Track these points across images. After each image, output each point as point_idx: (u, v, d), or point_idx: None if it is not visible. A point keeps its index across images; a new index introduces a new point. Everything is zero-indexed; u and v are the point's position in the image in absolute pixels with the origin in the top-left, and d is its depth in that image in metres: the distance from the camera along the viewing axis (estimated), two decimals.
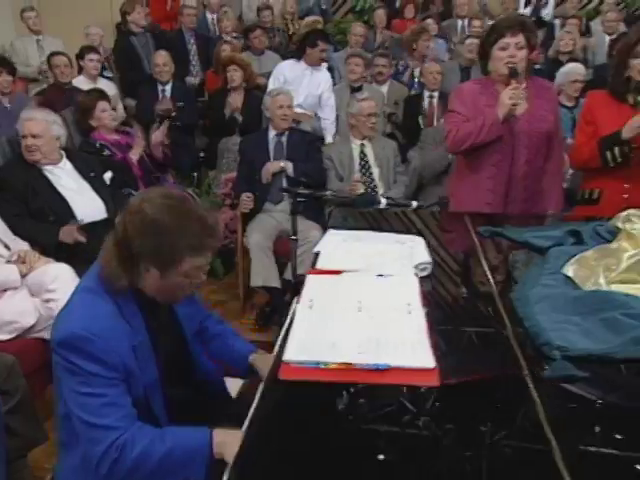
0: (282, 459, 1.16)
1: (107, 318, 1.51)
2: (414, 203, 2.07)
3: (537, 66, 6.05)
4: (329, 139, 4.89)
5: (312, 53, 4.86)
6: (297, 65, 4.98)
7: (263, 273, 3.63)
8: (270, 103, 4.03)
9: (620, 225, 1.92)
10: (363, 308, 1.57)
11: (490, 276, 1.80)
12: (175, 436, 1.47)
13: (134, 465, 1.41)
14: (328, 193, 2.27)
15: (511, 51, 2.63)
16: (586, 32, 7.06)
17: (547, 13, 7.60)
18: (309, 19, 6.55)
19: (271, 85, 4.94)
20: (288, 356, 1.37)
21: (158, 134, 4.28)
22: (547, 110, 2.77)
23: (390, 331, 1.46)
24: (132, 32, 6.06)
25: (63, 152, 3.44)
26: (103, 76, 5.83)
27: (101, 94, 4.22)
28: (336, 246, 2.02)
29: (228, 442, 1.38)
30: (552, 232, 2.06)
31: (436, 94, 5.19)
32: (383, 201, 2.00)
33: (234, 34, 6.55)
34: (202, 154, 5.23)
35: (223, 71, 5.02)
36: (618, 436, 1.17)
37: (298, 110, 4.95)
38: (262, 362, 1.76)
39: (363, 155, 4.04)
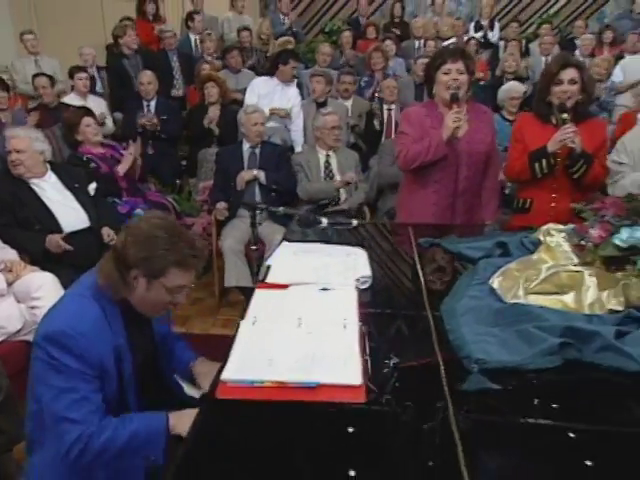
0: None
1: (93, 320, 1.51)
2: (354, 222, 1.97)
3: (482, 82, 6.03)
4: (298, 148, 4.80)
5: (284, 70, 4.76)
6: (270, 81, 4.87)
7: (236, 274, 3.57)
8: (245, 120, 3.94)
9: (541, 238, 1.85)
10: (302, 324, 1.48)
11: (424, 287, 1.72)
12: (136, 421, 1.49)
13: (100, 450, 1.43)
14: (281, 209, 2.16)
15: (453, 75, 2.61)
16: (526, 53, 7.03)
17: (493, 35, 7.54)
18: (282, 39, 6.43)
19: (247, 99, 4.83)
20: (226, 375, 1.27)
21: (134, 149, 4.14)
22: (485, 132, 2.75)
23: (325, 347, 1.37)
24: (124, 54, 5.91)
25: (48, 165, 3.33)
26: (94, 92, 5.71)
27: (86, 110, 4.09)
28: (287, 259, 1.93)
29: (182, 421, 1.42)
30: (483, 243, 1.99)
31: (394, 106, 5.12)
32: (324, 221, 1.91)
33: (215, 54, 6.41)
34: (184, 163, 5.10)
35: (201, 88, 4.91)
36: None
37: (270, 123, 4.87)
38: (200, 369, 1.76)
39: (328, 164, 3.97)
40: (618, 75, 5.81)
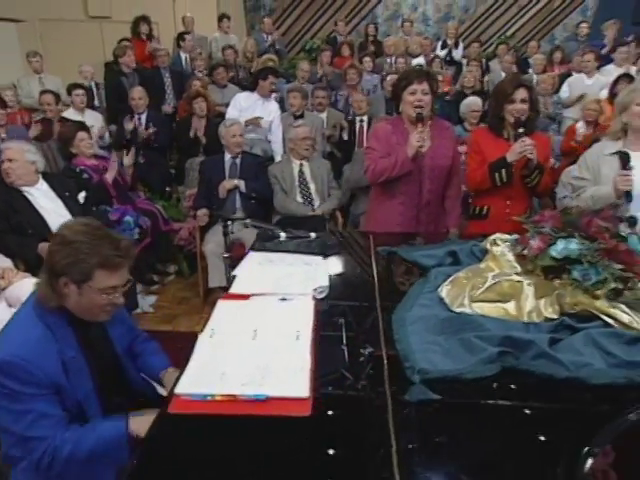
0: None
1: (35, 342, 1.42)
2: (312, 234, 1.88)
3: (447, 97, 5.97)
4: (278, 158, 4.71)
5: (263, 85, 4.66)
6: (251, 96, 4.77)
7: (218, 276, 3.49)
8: (225, 132, 3.85)
9: (488, 247, 1.79)
10: (258, 336, 1.39)
11: (378, 296, 1.64)
12: (98, 428, 1.43)
13: (68, 459, 1.38)
14: (248, 221, 2.08)
15: (418, 96, 2.56)
16: (486, 70, 6.99)
17: (457, 54, 7.49)
18: (264, 57, 6.33)
19: (230, 113, 4.73)
20: (180, 389, 1.19)
21: (128, 159, 4.04)
22: (447, 147, 2.71)
23: (277, 359, 1.28)
24: (122, 72, 5.78)
25: (40, 175, 3.24)
26: (93, 107, 5.59)
27: (80, 126, 3.98)
28: (252, 269, 1.84)
29: (141, 424, 1.33)
30: (436, 252, 1.91)
31: (365, 118, 5.04)
32: (282, 235, 1.82)
33: (204, 71, 6.28)
34: (173, 171, 4.99)
35: (190, 102, 4.79)
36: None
37: (252, 135, 4.78)
38: (169, 378, 1.65)
39: (301, 173, 3.88)
40: (565, 91, 5.84)
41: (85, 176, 3.79)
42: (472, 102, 4.81)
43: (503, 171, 2.56)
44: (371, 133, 2.89)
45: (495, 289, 1.53)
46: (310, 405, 1.13)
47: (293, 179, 3.85)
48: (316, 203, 3.83)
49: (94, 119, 5.24)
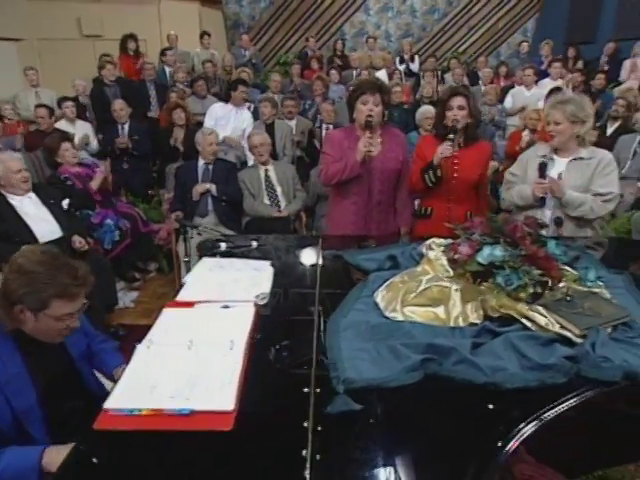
0: None
1: None
2: (254, 243, 1.74)
3: (406, 106, 5.85)
4: (251, 162, 4.53)
5: (236, 96, 4.49)
6: (225, 106, 4.60)
7: None
8: (202, 140, 3.66)
9: (424, 251, 1.67)
10: (193, 346, 1.24)
11: (317, 301, 1.49)
12: (10, 457, 1.21)
13: None
14: (200, 228, 1.92)
15: (369, 107, 2.44)
16: (441, 81, 6.88)
17: (414, 67, 7.37)
18: (238, 70, 6.10)
19: (206, 122, 4.54)
20: (108, 404, 1.04)
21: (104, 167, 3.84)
22: (397, 152, 2.59)
23: (208, 371, 1.14)
24: (105, 84, 5.52)
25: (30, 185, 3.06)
26: (85, 118, 5.34)
27: (64, 137, 3.77)
28: (201, 276, 1.69)
29: (56, 457, 1.14)
30: (378, 255, 1.78)
31: (331, 126, 4.89)
32: (222, 245, 1.67)
33: (185, 83, 6.05)
34: (155, 175, 4.78)
35: (170, 113, 4.57)
36: None
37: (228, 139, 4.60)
38: (120, 376, 1.48)
39: (268, 177, 3.71)
40: (509, 101, 5.79)
41: (69, 183, 3.60)
42: (426, 110, 4.69)
43: (430, 172, 2.47)
44: (325, 139, 2.78)
45: (426, 294, 1.41)
46: (232, 419, 0.99)
47: (260, 183, 3.69)
48: (282, 204, 3.68)
49: (84, 129, 5.02)
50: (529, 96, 5.72)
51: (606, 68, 6.38)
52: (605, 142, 4.71)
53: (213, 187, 3.58)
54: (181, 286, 1.61)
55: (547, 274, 1.33)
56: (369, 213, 2.60)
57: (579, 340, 1.23)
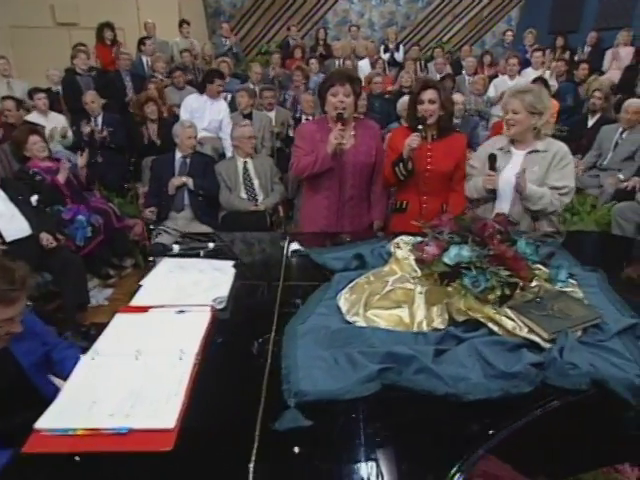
0: None
1: None
2: (210, 244, 1.65)
3: (387, 96, 5.75)
4: (229, 154, 4.41)
5: (211, 88, 4.33)
6: (200, 97, 4.45)
7: None
8: (181, 132, 3.53)
9: (392, 250, 1.60)
10: (141, 356, 1.16)
11: (278, 305, 1.41)
12: None
13: None
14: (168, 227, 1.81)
15: (339, 98, 2.34)
16: (425, 70, 6.78)
17: (399, 56, 7.25)
18: (218, 60, 5.94)
19: (182, 114, 4.40)
20: (39, 424, 0.96)
21: (81, 160, 3.69)
22: (370, 145, 2.50)
23: (152, 384, 1.06)
24: (77, 73, 5.32)
25: None
26: (60, 110, 5.15)
27: (32, 129, 3.60)
28: (160, 278, 1.60)
29: None
30: (344, 254, 1.70)
31: (311, 117, 4.78)
32: (175, 248, 1.57)
33: (164, 73, 5.88)
34: (132, 169, 4.63)
35: (140, 108, 4.41)
36: None
37: (204, 133, 4.47)
38: None
39: (246, 170, 3.61)
40: (492, 91, 5.71)
41: (38, 178, 3.44)
42: (405, 101, 4.60)
43: (400, 165, 2.40)
44: (297, 132, 2.68)
45: (390, 296, 1.34)
46: (173, 438, 0.92)
47: (238, 176, 3.58)
48: (260, 198, 3.58)
49: (58, 121, 4.84)
50: (512, 85, 5.66)
51: (586, 58, 6.34)
52: (587, 134, 4.69)
53: (190, 180, 3.47)
54: (138, 289, 1.52)
55: (516, 275, 1.27)
56: (341, 208, 2.53)
57: (547, 345, 1.17)
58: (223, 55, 6.55)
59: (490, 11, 8.32)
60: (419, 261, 1.43)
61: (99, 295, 3.55)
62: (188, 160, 3.57)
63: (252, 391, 1.05)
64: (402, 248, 1.54)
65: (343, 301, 1.38)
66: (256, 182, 3.61)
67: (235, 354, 1.21)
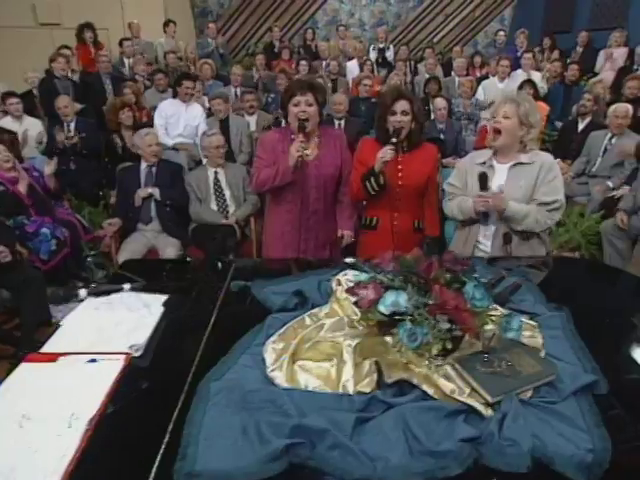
0: None
1: None
2: (126, 286, 1.49)
3: (374, 99, 5.57)
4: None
5: (180, 91, 4.21)
6: (174, 102, 4.31)
7: None
8: (140, 142, 3.38)
9: (334, 286, 1.44)
10: (27, 421, 1.00)
11: (200, 353, 1.25)
12: None
13: None
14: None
15: (301, 107, 2.23)
16: (415, 72, 6.61)
17: (389, 55, 7.07)
18: (200, 61, 5.78)
19: (156, 120, 4.25)
20: None
21: (49, 167, 3.53)
22: (334, 156, 2.38)
23: (30, 458, 0.91)
24: (56, 77, 5.16)
25: None
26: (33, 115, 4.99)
27: None
28: (82, 316, 1.44)
29: None
30: (287, 287, 1.54)
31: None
32: (82, 293, 1.41)
33: (146, 75, 5.72)
34: (105, 176, 4.47)
35: (115, 114, 4.24)
36: None
37: (179, 139, 4.32)
38: None
39: (217, 180, 3.45)
40: (480, 94, 5.54)
41: (1, 188, 3.30)
42: None
43: (372, 179, 2.25)
44: (258, 142, 2.54)
45: (319, 347, 1.19)
46: None
47: (208, 186, 3.43)
48: (231, 209, 3.43)
49: (34, 126, 4.68)
50: (502, 88, 5.49)
51: (577, 59, 6.16)
52: (577, 138, 4.52)
53: (156, 191, 3.32)
54: (54, 331, 1.37)
55: (460, 327, 1.12)
56: (305, 223, 2.41)
57: (488, 412, 1.02)
58: (208, 56, 6.38)
59: (483, 10, 8.13)
60: (356, 305, 1.28)
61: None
62: (154, 169, 3.42)
63: (146, 468, 0.90)
64: (343, 285, 1.38)
65: (269, 350, 1.22)
66: (227, 193, 3.46)
67: (137, 419, 1.06)
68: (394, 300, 1.14)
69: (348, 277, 1.42)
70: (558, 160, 4.52)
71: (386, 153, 2.19)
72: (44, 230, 3.29)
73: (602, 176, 4.06)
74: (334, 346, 1.16)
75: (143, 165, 3.43)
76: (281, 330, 1.29)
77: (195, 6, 7.98)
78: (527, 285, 1.62)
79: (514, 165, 2.13)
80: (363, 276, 1.29)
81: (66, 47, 5.64)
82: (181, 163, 3.90)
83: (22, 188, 3.30)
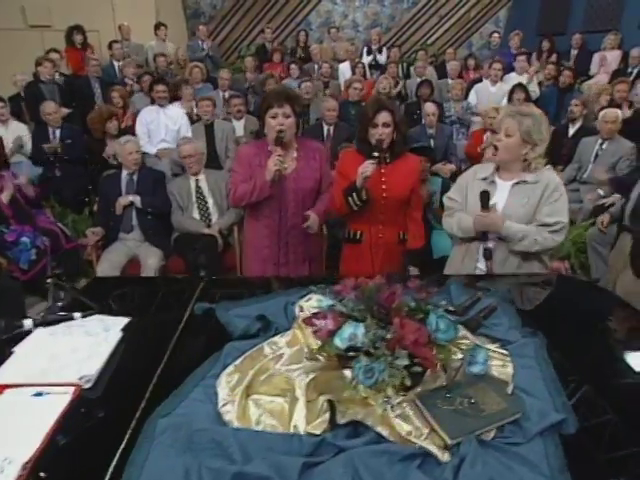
0: None
1: None
2: (76, 314, 1.42)
3: (364, 104, 5.51)
4: None
5: (154, 96, 4.16)
6: (152, 108, 4.27)
7: None
8: (120, 150, 3.34)
9: (296, 311, 1.38)
10: None
11: (154, 382, 1.19)
12: None
13: None
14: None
15: (279, 120, 2.17)
16: (407, 75, 6.54)
17: (381, 58, 7.00)
18: (190, 65, 5.71)
19: (137, 129, 4.19)
20: None
21: (23, 177, 3.48)
22: (314, 169, 2.33)
23: None
24: (42, 81, 5.10)
25: None
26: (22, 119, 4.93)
27: None
28: (37, 342, 1.37)
29: None
30: (253, 309, 1.47)
31: None
32: (26, 323, 1.34)
33: (135, 79, 5.65)
34: (90, 182, 4.41)
35: (101, 123, 4.17)
36: None
37: (163, 145, 4.26)
38: None
39: (199, 188, 3.40)
40: (473, 98, 5.47)
41: None
42: None
43: (354, 195, 2.20)
44: (235, 156, 2.49)
45: (273, 381, 1.13)
46: None
47: (190, 194, 3.38)
48: (214, 218, 3.37)
49: (20, 130, 4.62)
50: (494, 92, 5.43)
51: (573, 61, 6.09)
52: (567, 144, 4.46)
53: (137, 198, 3.26)
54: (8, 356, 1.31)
55: (421, 362, 1.06)
56: (284, 237, 2.34)
57: (445, 457, 0.96)
58: (200, 60, 6.31)
59: (478, 12, 8.05)
60: (315, 335, 1.21)
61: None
62: (135, 177, 3.37)
63: None
64: (305, 312, 1.32)
65: (223, 383, 1.16)
66: (210, 201, 3.41)
67: (78, 460, 1.00)
68: (352, 333, 1.08)
69: (312, 302, 1.36)
70: (549, 166, 4.48)
71: (367, 168, 2.12)
72: (24, 239, 3.24)
73: (593, 182, 4.01)
74: (288, 381, 1.10)
75: (124, 173, 3.38)
76: (238, 360, 1.23)
77: (187, 8, 7.91)
78: (503, 307, 1.56)
79: (517, 183, 2.03)
80: (325, 303, 1.24)
81: (55, 50, 5.56)
82: (164, 170, 3.84)
83: (5, 198, 3.25)
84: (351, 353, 1.06)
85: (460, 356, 1.22)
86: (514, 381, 1.19)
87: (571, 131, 4.46)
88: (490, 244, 2.06)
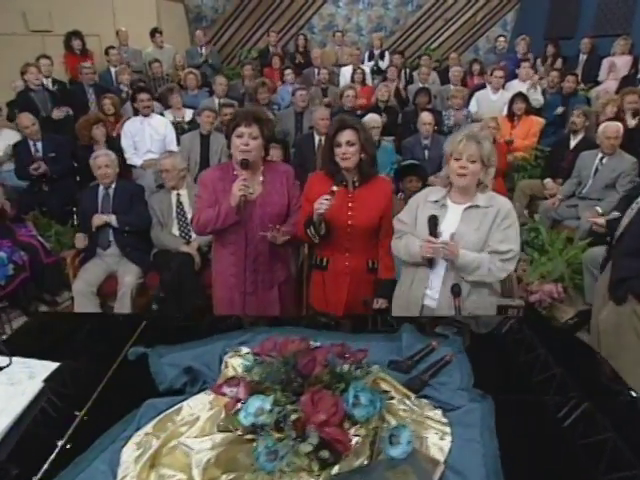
0: None
1: None
2: (13, 358, 1.33)
3: (359, 112, 5.38)
4: None
5: (138, 106, 4.10)
6: (136, 119, 4.20)
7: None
8: (92, 165, 3.27)
9: (227, 359, 1.28)
10: None
11: (59, 446, 1.09)
12: None
13: None
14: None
15: (244, 140, 2.08)
16: (410, 81, 6.38)
17: (383, 64, 6.86)
18: (185, 71, 5.65)
19: (123, 143, 4.14)
20: None
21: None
22: (280, 193, 2.24)
23: None
24: (31, 89, 5.05)
25: None
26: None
27: None
28: None
29: None
30: (187, 355, 1.37)
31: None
32: None
33: (129, 84, 5.62)
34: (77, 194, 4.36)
35: (88, 129, 4.12)
36: None
37: (150, 155, 4.19)
38: None
39: (180, 203, 3.33)
40: (473, 105, 5.30)
41: None
42: (370, 119, 4.23)
43: (312, 227, 2.09)
44: (199, 181, 2.39)
45: (175, 454, 1.03)
46: None
47: (171, 210, 3.30)
48: (194, 234, 3.29)
49: (12, 138, 4.60)
50: (495, 100, 5.26)
51: (580, 67, 5.87)
52: (568, 156, 4.28)
53: (113, 218, 3.18)
54: None
55: (334, 445, 0.95)
56: (250, 265, 2.25)
57: None
58: (198, 67, 6.25)
59: (484, 15, 7.84)
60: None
61: None
62: (111, 192, 3.29)
63: None
64: (228, 367, 1.23)
65: (129, 452, 1.07)
66: (191, 216, 3.31)
67: None
68: (259, 406, 0.98)
69: (236, 360, 1.26)
70: (548, 180, 4.31)
71: (321, 204, 2.00)
72: (0, 254, 3.20)
73: (592, 198, 3.83)
74: (187, 455, 1.00)
75: (100, 188, 3.31)
76: (154, 421, 1.13)
77: (189, 12, 7.86)
78: (459, 359, 1.43)
79: (469, 207, 1.96)
80: (246, 363, 1.14)
81: (45, 57, 5.53)
82: (149, 181, 3.78)
83: None
84: (255, 430, 0.96)
85: (394, 423, 1.11)
86: (449, 458, 1.07)
87: (572, 143, 4.28)
88: (440, 272, 1.97)
